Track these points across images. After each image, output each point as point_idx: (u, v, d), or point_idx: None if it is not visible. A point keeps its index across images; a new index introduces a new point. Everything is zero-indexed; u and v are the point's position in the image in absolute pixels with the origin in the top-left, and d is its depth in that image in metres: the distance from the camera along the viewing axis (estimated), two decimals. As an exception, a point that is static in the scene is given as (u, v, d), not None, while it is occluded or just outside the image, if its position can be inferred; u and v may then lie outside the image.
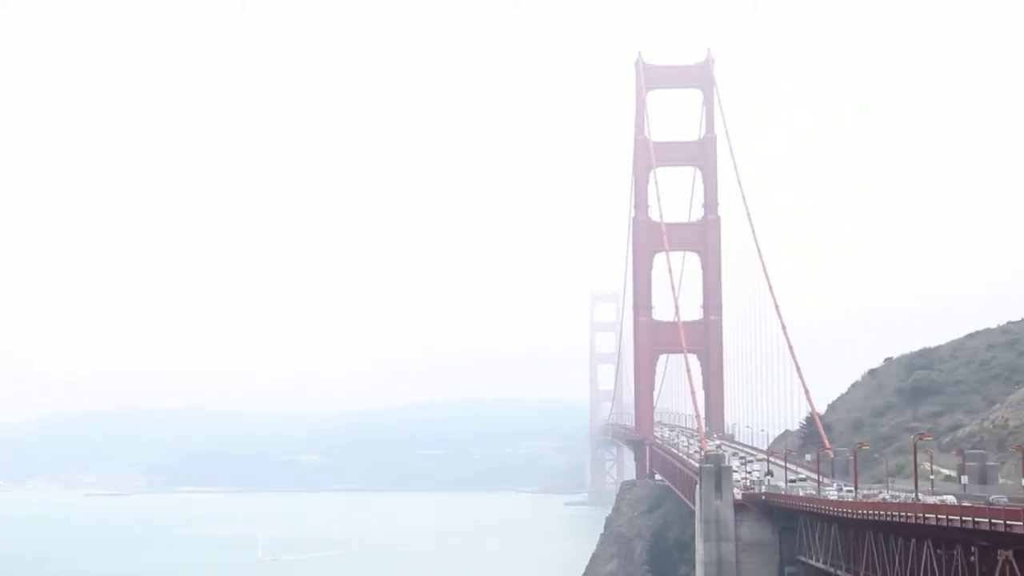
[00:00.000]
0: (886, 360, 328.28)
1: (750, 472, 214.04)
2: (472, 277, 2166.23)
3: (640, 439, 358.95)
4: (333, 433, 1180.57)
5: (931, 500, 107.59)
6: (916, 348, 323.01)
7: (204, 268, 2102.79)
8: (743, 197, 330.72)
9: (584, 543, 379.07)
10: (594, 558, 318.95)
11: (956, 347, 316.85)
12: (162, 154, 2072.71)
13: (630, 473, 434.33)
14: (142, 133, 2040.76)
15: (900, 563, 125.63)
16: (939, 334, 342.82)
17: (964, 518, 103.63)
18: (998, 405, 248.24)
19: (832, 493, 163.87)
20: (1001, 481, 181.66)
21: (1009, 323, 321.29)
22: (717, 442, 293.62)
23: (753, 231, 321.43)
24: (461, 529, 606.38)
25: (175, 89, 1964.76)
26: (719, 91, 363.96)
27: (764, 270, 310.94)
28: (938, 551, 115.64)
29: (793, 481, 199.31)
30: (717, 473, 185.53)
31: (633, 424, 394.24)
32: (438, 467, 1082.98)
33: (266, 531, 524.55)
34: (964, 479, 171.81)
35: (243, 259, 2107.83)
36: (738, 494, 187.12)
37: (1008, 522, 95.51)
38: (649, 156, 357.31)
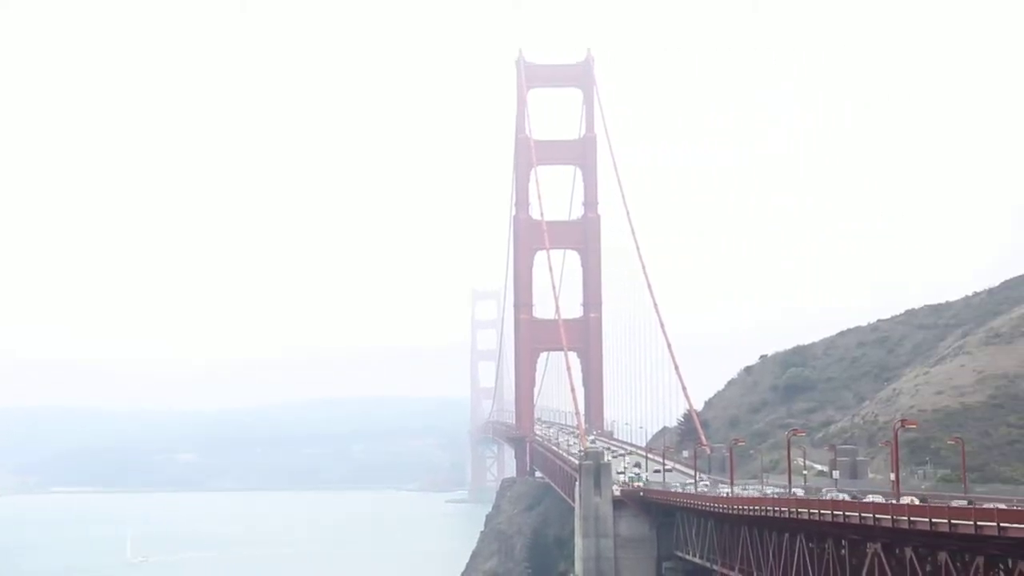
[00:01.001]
0: (761, 357, 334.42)
1: (624, 469, 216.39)
2: (354, 274, 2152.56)
3: (521, 436, 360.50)
4: (211, 431, 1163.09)
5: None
6: (791, 346, 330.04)
7: (68, 259, 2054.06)
8: (623, 196, 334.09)
9: (465, 540, 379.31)
10: (474, 555, 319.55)
11: (828, 345, 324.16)
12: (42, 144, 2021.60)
13: (511, 470, 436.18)
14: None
15: (774, 557, 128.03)
16: (813, 332, 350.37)
17: (835, 512, 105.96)
18: (868, 401, 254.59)
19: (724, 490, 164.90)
20: (871, 476, 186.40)
21: (879, 321, 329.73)
22: (596, 439, 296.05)
23: (632, 230, 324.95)
24: (341, 527, 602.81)
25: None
26: (599, 90, 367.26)
27: (643, 269, 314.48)
28: (810, 545, 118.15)
29: (670, 469, 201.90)
30: (596, 470, 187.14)
31: (514, 421, 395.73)
32: (319, 465, 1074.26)
33: (137, 531, 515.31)
34: (836, 474, 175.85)
35: (119, 249, 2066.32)
36: (617, 490, 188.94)
37: (877, 516, 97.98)
38: (530, 154, 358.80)
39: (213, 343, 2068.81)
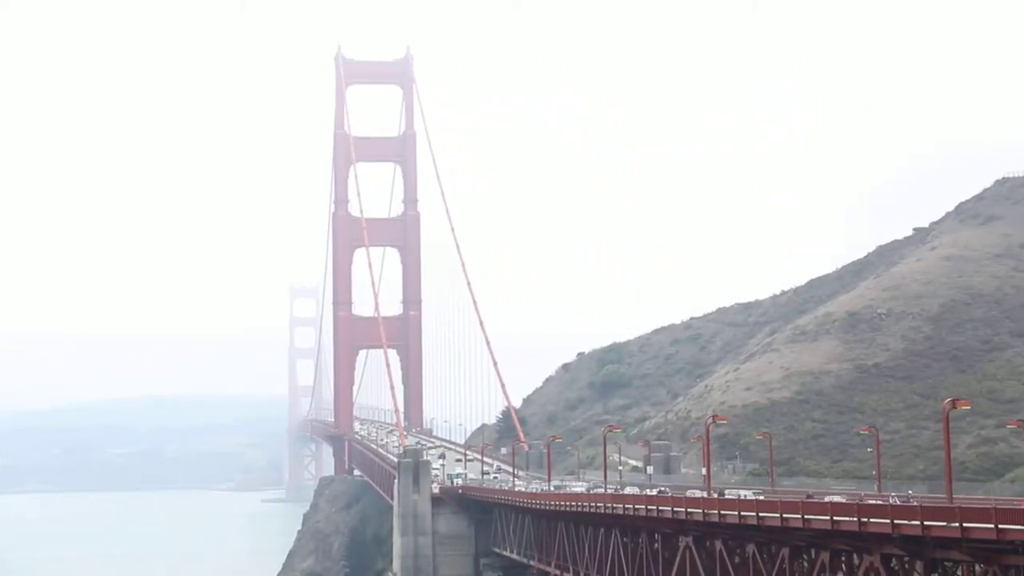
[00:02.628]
0: (579, 355, 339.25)
1: (443, 466, 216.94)
2: (168, 270, 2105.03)
3: (339, 434, 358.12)
4: (11, 431, 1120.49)
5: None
6: (607, 343, 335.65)
7: None
8: (442, 193, 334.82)
9: (281, 540, 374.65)
10: (291, 555, 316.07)
11: (644, 342, 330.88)
12: None
13: (329, 469, 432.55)
14: None
15: (589, 552, 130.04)
16: (629, 329, 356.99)
17: (649, 507, 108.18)
18: (681, 398, 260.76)
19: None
20: (683, 471, 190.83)
21: (692, 319, 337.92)
22: (416, 437, 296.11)
23: (452, 227, 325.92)
24: (152, 528, 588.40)
25: None
26: (418, 88, 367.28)
27: (463, 266, 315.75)
28: (625, 539, 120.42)
29: (487, 474, 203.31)
30: (415, 467, 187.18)
31: (332, 419, 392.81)
32: (129, 465, 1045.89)
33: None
34: (650, 469, 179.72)
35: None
36: (436, 488, 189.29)
37: (688, 510, 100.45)
38: (349, 151, 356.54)
39: (17, 345, 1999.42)
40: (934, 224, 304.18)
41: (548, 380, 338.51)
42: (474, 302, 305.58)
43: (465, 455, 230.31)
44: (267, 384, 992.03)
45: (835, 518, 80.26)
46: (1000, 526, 66.72)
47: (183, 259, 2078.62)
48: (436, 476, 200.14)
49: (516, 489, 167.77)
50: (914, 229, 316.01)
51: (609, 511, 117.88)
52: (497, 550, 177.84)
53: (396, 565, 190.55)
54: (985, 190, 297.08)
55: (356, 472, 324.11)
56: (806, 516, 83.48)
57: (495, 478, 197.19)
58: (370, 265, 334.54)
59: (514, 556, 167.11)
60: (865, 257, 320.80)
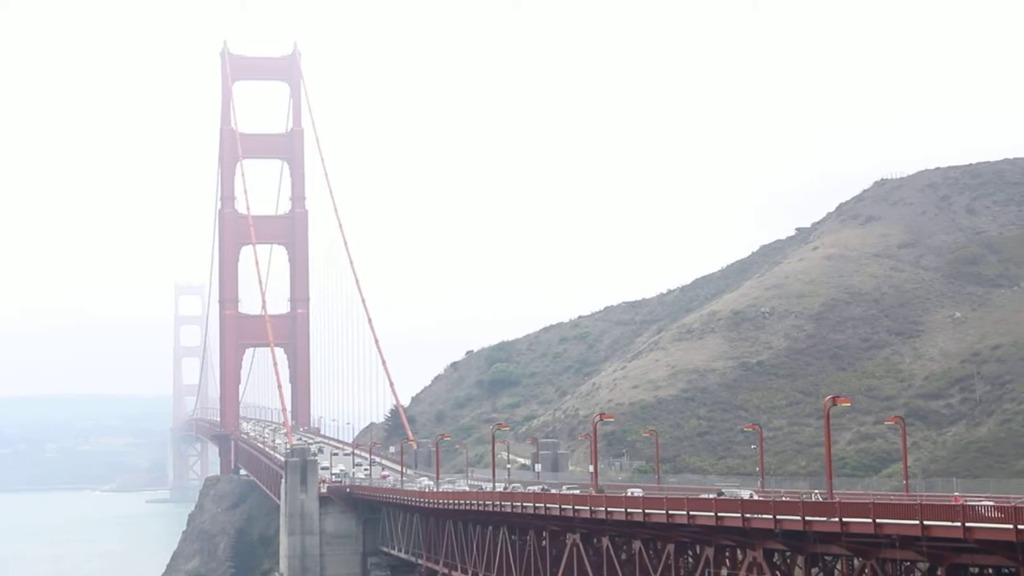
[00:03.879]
0: (467, 353, 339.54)
1: (330, 465, 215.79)
2: (52, 265, 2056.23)
3: (225, 434, 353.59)
4: None
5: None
6: (496, 341, 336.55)
7: None
8: (330, 191, 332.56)
9: (166, 541, 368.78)
10: (175, 556, 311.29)
11: (532, 341, 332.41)
12: None
13: (215, 469, 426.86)
14: None
15: (478, 550, 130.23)
16: (518, 328, 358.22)
17: (537, 505, 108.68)
18: (569, 396, 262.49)
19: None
20: (571, 468, 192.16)
21: (580, 317, 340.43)
22: (303, 436, 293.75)
23: (340, 225, 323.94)
24: (30, 531, 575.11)
25: None
26: (306, 84, 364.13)
27: (351, 264, 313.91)
28: (513, 537, 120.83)
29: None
30: (303, 467, 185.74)
31: (218, 419, 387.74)
32: (5, 466, 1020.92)
33: None
34: (538, 467, 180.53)
35: None
36: (323, 487, 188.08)
37: (576, 507, 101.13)
38: (236, 147, 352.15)
39: None
40: (816, 224, 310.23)
41: (437, 378, 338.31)
42: (362, 300, 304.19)
43: (353, 454, 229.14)
44: (151, 383, 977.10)
45: (719, 514, 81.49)
46: (878, 521, 68.36)
47: (65, 255, 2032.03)
48: (331, 476, 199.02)
49: (405, 488, 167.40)
50: (797, 229, 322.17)
51: (498, 509, 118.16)
52: (385, 549, 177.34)
53: (283, 565, 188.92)
54: (864, 191, 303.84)
55: (242, 472, 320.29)
56: (691, 512, 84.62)
57: (380, 478, 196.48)
58: (257, 263, 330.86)
59: (402, 555, 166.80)
60: (749, 256, 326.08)
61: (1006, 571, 69.17)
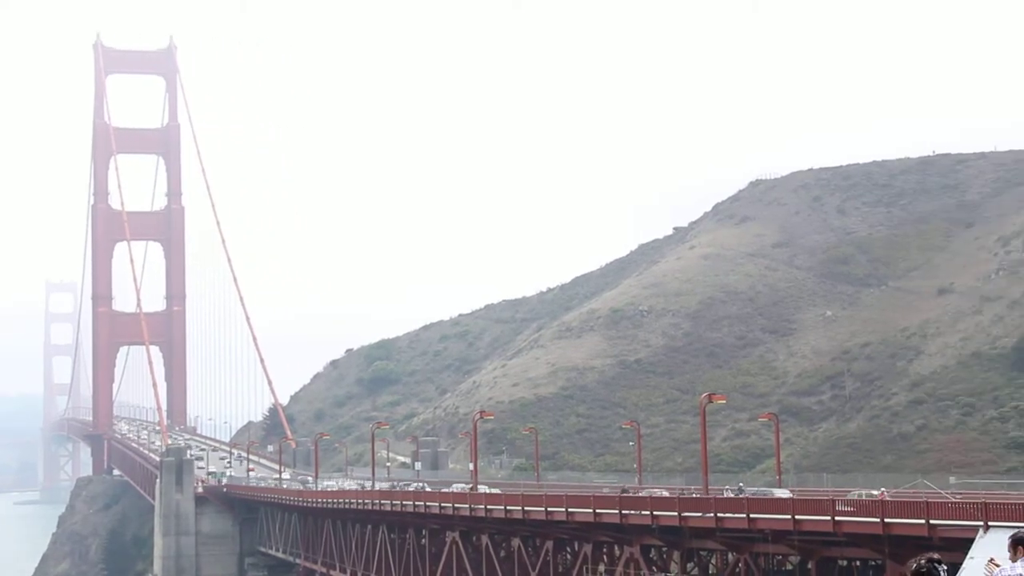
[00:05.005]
0: (347, 351, 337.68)
1: (208, 464, 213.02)
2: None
3: (98, 433, 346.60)
4: None
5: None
6: (376, 339, 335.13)
7: None
8: (207, 187, 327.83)
9: (34, 544, 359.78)
10: (44, 559, 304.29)
11: (412, 338, 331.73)
12: None
13: (88, 469, 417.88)
14: None
15: (356, 549, 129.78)
16: (398, 326, 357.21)
17: (417, 503, 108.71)
18: (449, 394, 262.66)
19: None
20: (451, 466, 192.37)
21: (461, 315, 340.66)
22: (179, 435, 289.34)
23: (218, 222, 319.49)
24: None
25: None
26: (183, 79, 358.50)
27: (229, 261, 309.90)
28: (392, 536, 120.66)
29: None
30: (178, 466, 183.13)
31: (91, 418, 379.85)
32: None
33: None
34: (418, 465, 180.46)
35: None
36: (199, 487, 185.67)
37: (456, 505, 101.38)
38: (110, 142, 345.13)
39: None
40: (693, 224, 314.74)
41: (316, 377, 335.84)
42: (240, 297, 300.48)
43: (231, 453, 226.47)
44: (20, 381, 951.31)
45: (597, 511, 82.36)
46: (752, 516, 69.73)
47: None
48: (207, 475, 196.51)
49: (283, 487, 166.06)
50: (674, 229, 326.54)
51: (377, 508, 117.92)
52: (263, 549, 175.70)
53: (157, 566, 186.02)
54: (740, 191, 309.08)
55: (116, 472, 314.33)
56: (570, 509, 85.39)
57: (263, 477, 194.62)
58: (131, 260, 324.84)
59: (280, 555, 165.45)
60: (628, 255, 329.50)
61: (873, 563, 71.14)
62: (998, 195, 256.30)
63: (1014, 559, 12.74)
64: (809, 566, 72.14)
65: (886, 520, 61.38)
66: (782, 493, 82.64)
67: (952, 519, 58.36)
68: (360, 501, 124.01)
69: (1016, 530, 13.07)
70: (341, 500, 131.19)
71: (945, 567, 12.14)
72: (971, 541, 54.37)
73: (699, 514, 73.89)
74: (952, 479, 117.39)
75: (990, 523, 54.73)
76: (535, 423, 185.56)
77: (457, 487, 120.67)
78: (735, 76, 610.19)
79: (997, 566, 12.66)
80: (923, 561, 12.19)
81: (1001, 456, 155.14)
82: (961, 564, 52.86)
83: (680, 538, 77.82)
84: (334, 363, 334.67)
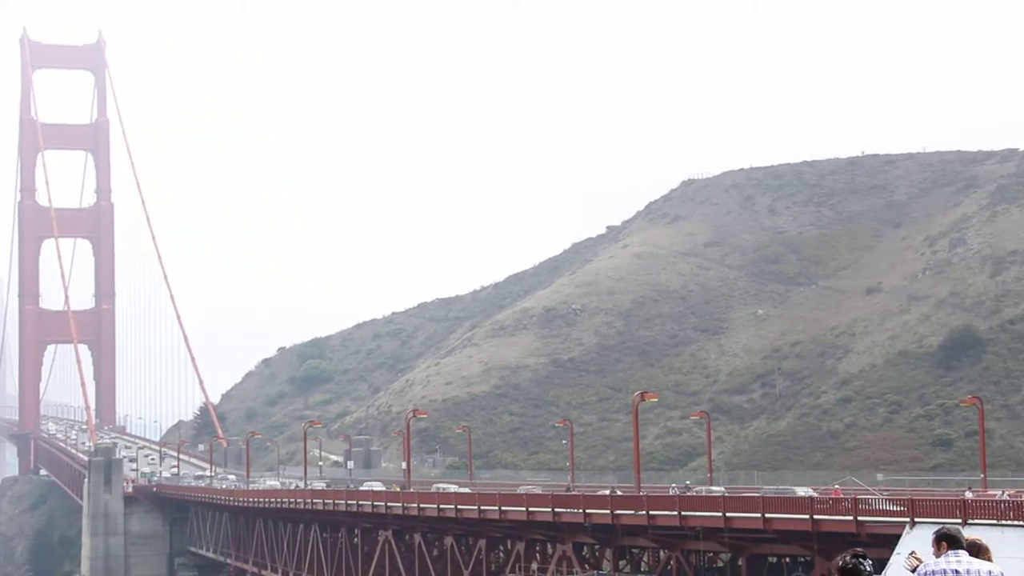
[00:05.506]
0: (279, 350, 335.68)
1: (138, 464, 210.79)
2: None
3: (25, 433, 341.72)
4: None
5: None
6: (308, 338, 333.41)
7: None
8: (137, 184, 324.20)
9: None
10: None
11: (345, 337, 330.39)
12: None
13: (13, 470, 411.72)
14: None
15: (288, 548, 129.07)
16: (331, 324, 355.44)
17: (349, 502, 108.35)
18: (383, 392, 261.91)
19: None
20: (384, 465, 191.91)
21: (394, 314, 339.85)
22: (109, 435, 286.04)
23: (148, 219, 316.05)
24: None
25: None
26: (112, 74, 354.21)
27: (159, 259, 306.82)
28: (324, 535, 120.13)
29: (178, 473, 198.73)
30: (107, 466, 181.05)
31: (17, 418, 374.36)
32: None
33: None
34: (350, 464, 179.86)
35: None
36: (129, 487, 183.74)
37: (389, 504, 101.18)
38: (37, 138, 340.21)
39: None
40: (626, 223, 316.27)
41: (248, 375, 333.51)
42: (171, 296, 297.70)
43: (160, 452, 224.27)
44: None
45: (530, 509, 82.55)
46: (683, 513, 70.24)
47: None
48: (138, 475, 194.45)
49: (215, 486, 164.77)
50: (607, 227, 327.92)
51: (309, 507, 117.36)
52: (193, 549, 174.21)
53: (85, 567, 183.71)
54: (672, 191, 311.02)
55: (43, 472, 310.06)
56: (503, 508, 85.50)
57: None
58: (59, 257, 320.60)
59: (210, 555, 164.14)
60: (561, 254, 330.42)
61: (802, 559, 71.93)
62: (925, 195, 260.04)
63: (938, 555, 12.90)
64: (740, 563, 72.79)
65: (815, 517, 62.10)
66: (717, 490, 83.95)
67: (879, 515, 59.17)
68: (292, 500, 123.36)
69: (941, 526, 13.24)
70: (273, 499, 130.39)
71: (870, 562, 12.28)
72: (898, 537, 55.16)
73: (631, 512, 74.28)
74: (880, 476, 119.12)
75: (916, 519, 55.56)
76: (468, 422, 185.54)
77: (346, 484, 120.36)
78: (665, 76, 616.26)
79: (919, 560, 12.82)
80: (848, 557, 12.32)
81: (927, 453, 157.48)
82: (888, 560, 53.64)
83: (612, 536, 78.20)
84: (266, 361, 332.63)
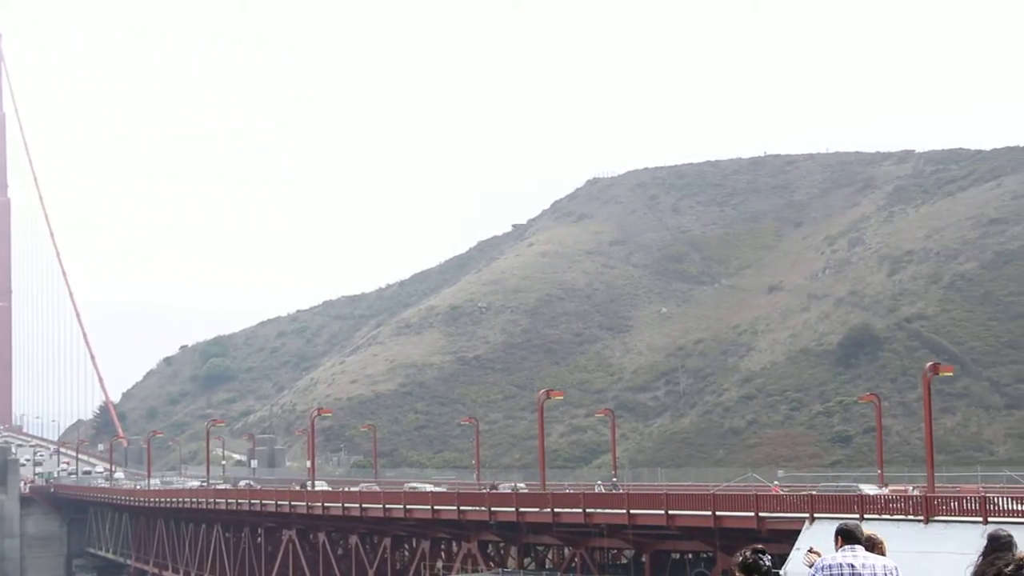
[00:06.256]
0: (182, 348, 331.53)
1: (35, 464, 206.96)
2: None
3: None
4: None
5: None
6: (211, 336, 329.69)
7: None
8: (35, 179, 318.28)
9: None
10: None
11: (249, 335, 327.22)
12: None
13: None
14: None
15: (190, 549, 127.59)
16: (235, 322, 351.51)
17: (253, 501, 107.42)
18: (287, 391, 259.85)
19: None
20: (288, 464, 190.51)
21: (299, 311, 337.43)
22: (3, 434, 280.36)
23: (46, 215, 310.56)
24: None
25: None
26: (8, 67, 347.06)
27: (58, 255, 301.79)
28: (227, 535, 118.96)
29: (88, 472, 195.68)
30: (2, 466, 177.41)
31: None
32: None
33: None
34: (254, 463, 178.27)
35: None
36: (26, 488, 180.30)
37: (293, 503, 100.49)
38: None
39: None
40: (531, 221, 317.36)
41: (150, 374, 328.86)
42: (70, 293, 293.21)
43: (59, 452, 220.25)
44: None
45: (435, 507, 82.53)
46: (588, 511, 70.70)
47: None
48: (34, 475, 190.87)
49: (115, 486, 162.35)
50: (513, 226, 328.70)
51: (211, 506, 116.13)
52: (92, 550, 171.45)
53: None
54: (578, 189, 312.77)
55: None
56: (408, 506, 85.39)
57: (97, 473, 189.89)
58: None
59: (110, 556, 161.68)
60: (467, 252, 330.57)
61: (704, 555, 72.80)
62: (825, 195, 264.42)
63: (837, 550, 13.14)
64: (643, 559, 73.45)
65: (717, 513, 62.87)
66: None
67: (780, 511, 60.08)
68: (194, 500, 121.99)
69: (842, 522, 13.50)
70: (175, 499, 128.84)
71: (769, 557, 12.47)
72: (798, 532, 56.07)
73: (536, 509, 74.59)
74: (780, 472, 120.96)
75: (815, 515, 56.52)
76: (373, 420, 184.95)
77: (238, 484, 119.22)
78: (570, 75, 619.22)
79: (817, 555, 13.05)
80: (748, 553, 12.51)
81: (826, 449, 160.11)
82: (788, 555, 54.51)
83: (517, 533, 78.46)
84: (168, 360, 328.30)
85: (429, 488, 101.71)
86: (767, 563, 12.42)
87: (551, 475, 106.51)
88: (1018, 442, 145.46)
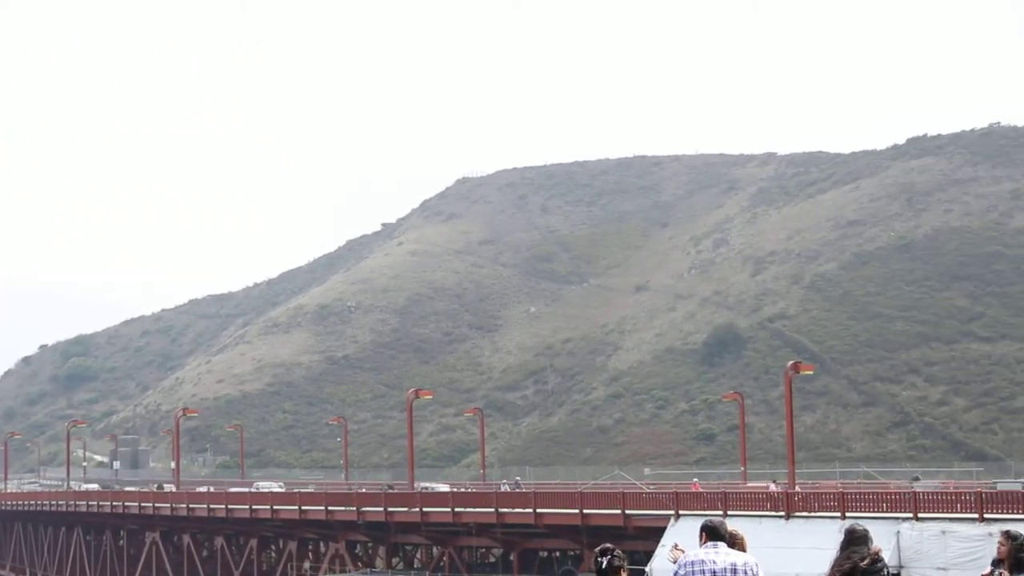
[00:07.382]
0: (41, 347, 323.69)
1: None
2: None
3: None
4: None
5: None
6: (72, 335, 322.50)
7: None
8: None
9: None
10: None
11: (112, 334, 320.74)
12: None
13: None
14: None
15: (49, 552, 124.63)
16: (96, 321, 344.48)
17: (115, 503, 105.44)
18: (151, 391, 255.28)
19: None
20: (152, 465, 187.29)
21: (163, 310, 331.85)
22: None
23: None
24: None
25: None
26: None
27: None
28: (88, 537, 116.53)
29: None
30: None
31: None
32: None
33: None
34: (117, 464, 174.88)
35: None
36: None
37: (156, 505, 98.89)
38: None
39: None
40: (401, 220, 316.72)
41: (7, 374, 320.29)
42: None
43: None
44: None
45: (303, 508, 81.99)
46: (456, 510, 70.95)
47: None
48: None
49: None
50: (382, 224, 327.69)
51: (71, 509, 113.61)
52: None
53: None
54: (447, 189, 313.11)
55: None
56: (275, 507, 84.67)
57: None
58: None
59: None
60: (336, 251, 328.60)
61: (572, 553, 73.56)
62: (690, 196, 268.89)
63: (701, 546, 13.43)
64: (511, 558, 73.91)
65: (584, 511, 63.57)
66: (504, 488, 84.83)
67: (646, 509, 60.99)
68: (53, 502, 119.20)
69: (707, 518, 13.82)
70: (33, 502, 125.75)
71: (620, 553, 12.71)
72: (663, 529, 56.98)
73: (405, 509, 74.55)
74: (647, 470, 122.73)
75: (681, 512, 57.50)
76: (240, 420, 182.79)
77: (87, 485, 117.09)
78: (439, 73, 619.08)
79: (681, 551, 13.35)
80: (597, 555, 12.78)
81: (691, 447, 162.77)
82: (654, 552, 55.38)
83: (386, 533, 78.32)
84: (26, 359, 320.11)
85: (273, 488, 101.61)
86: (620, 560, 12.61)
87: (419, 475, 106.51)
88: (874, 439, 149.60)
